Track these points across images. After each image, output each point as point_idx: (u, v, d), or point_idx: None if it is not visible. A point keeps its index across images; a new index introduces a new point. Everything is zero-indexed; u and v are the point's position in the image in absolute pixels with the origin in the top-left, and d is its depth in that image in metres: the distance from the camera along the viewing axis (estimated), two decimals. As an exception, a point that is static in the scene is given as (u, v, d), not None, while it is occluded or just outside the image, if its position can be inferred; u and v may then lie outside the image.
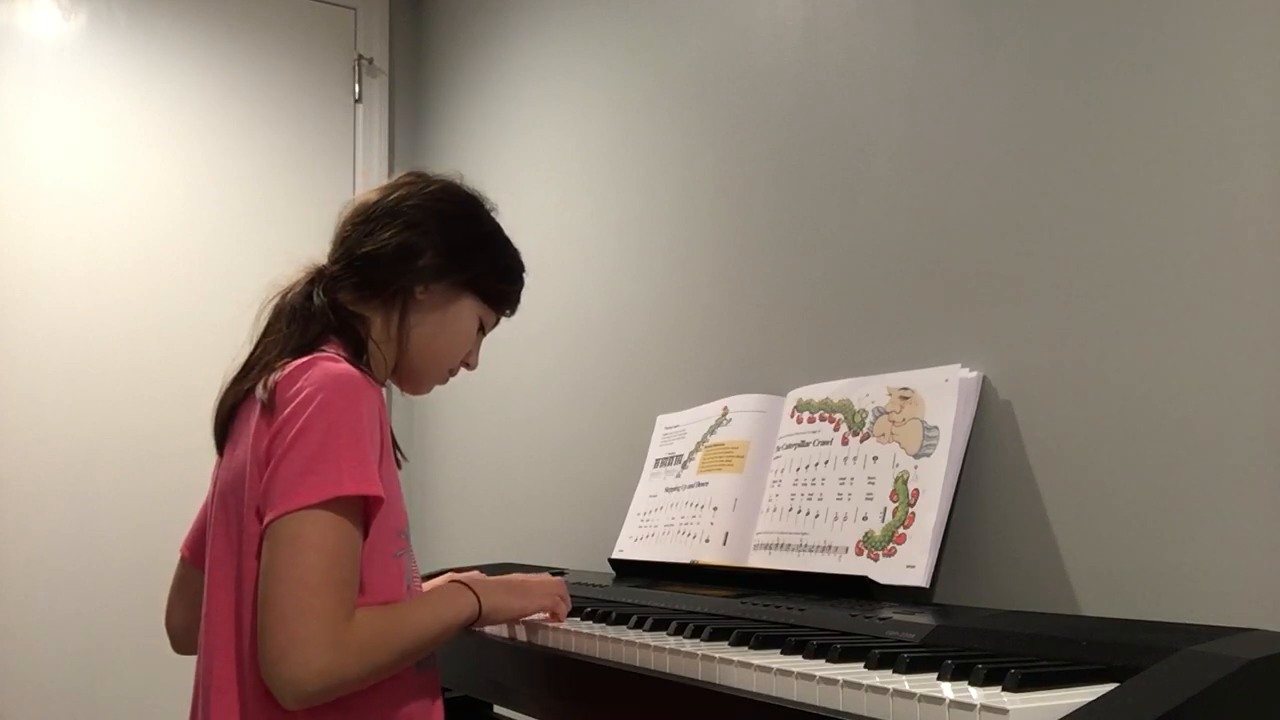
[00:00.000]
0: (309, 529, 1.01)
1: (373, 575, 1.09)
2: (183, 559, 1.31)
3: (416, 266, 1.22)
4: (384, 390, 1.28)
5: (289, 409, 1.06)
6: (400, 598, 1.14)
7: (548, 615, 1.27)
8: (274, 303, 1.23)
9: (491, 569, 1.60)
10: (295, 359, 1.12)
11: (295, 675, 0.99)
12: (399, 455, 1.25)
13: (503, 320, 1.37)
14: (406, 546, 1.17)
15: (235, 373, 1.20)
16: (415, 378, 1.29)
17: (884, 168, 1.50)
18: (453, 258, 1.25)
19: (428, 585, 1.41)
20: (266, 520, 1.03)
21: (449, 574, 1.48)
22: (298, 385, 1.07)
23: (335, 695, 1.02)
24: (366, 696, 1.09)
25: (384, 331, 1.23)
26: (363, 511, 1.05)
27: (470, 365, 1.35)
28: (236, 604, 1.10)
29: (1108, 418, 1.18)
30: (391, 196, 1.26)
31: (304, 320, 1.18)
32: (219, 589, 1.13)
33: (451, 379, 1.34)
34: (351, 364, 1.12)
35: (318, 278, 1.23)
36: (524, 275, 1.35)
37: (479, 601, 1.16)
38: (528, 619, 1.28)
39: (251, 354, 1.20)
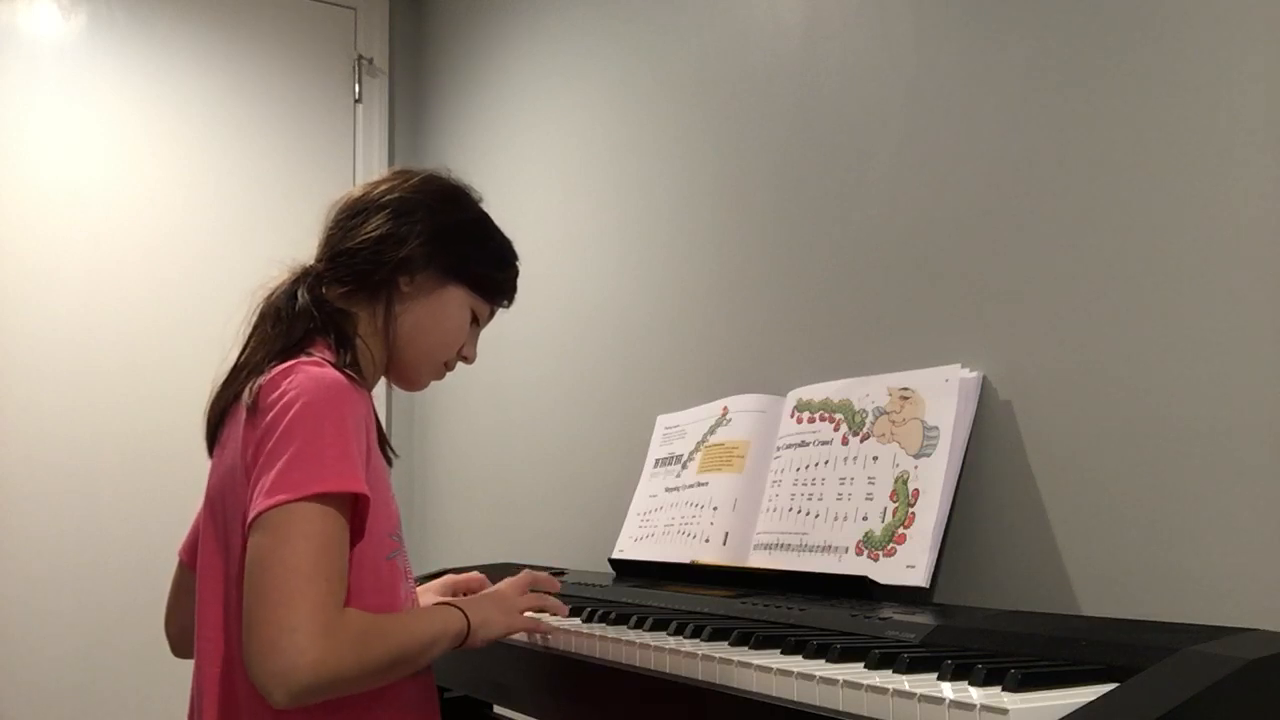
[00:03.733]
0: (296, 519, 0.99)
1: (364, 578, 1.08)
2: (181, 562, 1.30)
3: (400, 256, 1.20)
4: (380, 387, 1.27)
5: (272, 414, 1.04)
6: (396, 599, 1.13)
7: (543, 617, 1.25)
8: (260, 305, 1.21)
9: (491, 569, 1.60)
10: (280, 362, 1.10)
11: (286, 666, 0.94)
12: (390, 452, 1.23)
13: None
14: (399, 548, 1.16)
15: (224, 377, 1.19)
16: (407, 372, 1.27)
17: (884, 168, 1.50)
18: (437, 246, 1.23)
19: (425, 586, 1.41)
20: (251, 516, 1.00)
21: (448, 574, 1.48)
22: (280, 389, 1.06)
23: (328, 694, 0.98)
24: (361, 699, 1.07)
25: (370, 326, 1.21)
26: (350, 510, 1.04)
27: (468, 358, 1.32)
28: (224, 609, 1.09)
29: (1108, 418, 1.18)
30: (375, 191, 1.25)
31: (289, 320, 1.17)
32: (209, 594, 1.12)
33: (450, 374, 1.32)
34: (337, 368, 1.10)
35: (302, 277, 1.22)
36: (516, 263, 1.32)
37: (466, 616, 1.13)
38: (530, 623, 1.26)
39: (238, 357, 1.19)
